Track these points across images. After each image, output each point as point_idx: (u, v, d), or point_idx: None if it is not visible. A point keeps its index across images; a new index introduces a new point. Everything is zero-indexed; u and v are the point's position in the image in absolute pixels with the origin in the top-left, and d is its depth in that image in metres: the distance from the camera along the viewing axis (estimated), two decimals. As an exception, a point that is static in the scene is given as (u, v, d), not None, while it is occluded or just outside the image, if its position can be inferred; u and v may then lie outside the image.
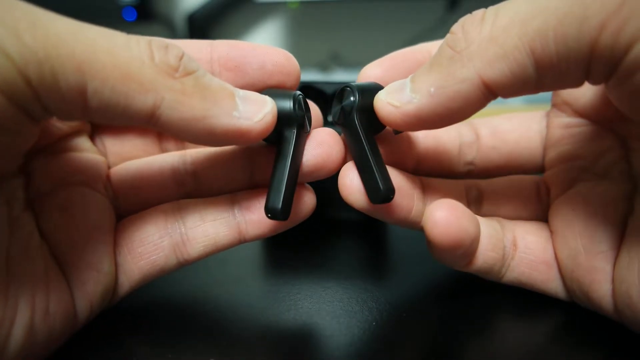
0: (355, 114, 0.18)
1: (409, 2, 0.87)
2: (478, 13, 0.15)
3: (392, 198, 0.17)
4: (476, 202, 0.21)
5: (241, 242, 0.19)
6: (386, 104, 0.16)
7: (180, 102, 0.14)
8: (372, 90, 0.18)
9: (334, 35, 0.97)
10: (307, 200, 0.19)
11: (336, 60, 0.97)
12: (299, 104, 0.18)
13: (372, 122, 0.18)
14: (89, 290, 0.17)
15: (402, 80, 0.17)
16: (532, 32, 0.13)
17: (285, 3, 0.95)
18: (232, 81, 0.18)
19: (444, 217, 0.16)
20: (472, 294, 0.21)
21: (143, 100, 0.13)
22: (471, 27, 0.14)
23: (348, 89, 0.18)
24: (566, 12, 0.12)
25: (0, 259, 0.14)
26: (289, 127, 0.17)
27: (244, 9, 0.98)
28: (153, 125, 0.14)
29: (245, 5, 0.97)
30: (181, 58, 0.14)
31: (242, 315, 0.20)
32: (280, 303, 0.21)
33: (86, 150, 0.19)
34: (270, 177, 0.17)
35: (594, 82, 0.13)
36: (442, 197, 0.20)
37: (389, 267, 0.24)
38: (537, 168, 0.22)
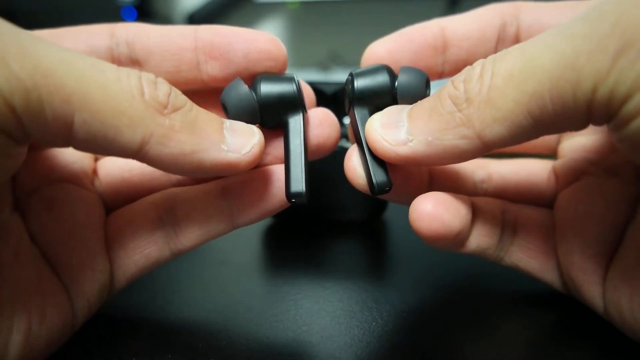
0: (353, 105, 0.17)
1: (409, 2, 0.87)
2: (477, 68, 0.15)
3: (388, 190, 0.17)
4: (483, 184, 0.21)
5: (234, 228, 0.19)
6: (380, 137, 0.16)
7: (168, 138, 0.14)
8: (374, 75, 0.17)
9: (334, 35, 0.97)
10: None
11: (336, 60, 0.97)
12: (299, 87, 0.17)
13: (376, 108, 0.17)
14: (86, 289, 0.17)
15: (399, 112, 0.16)
16: (528, 95, 0.13)
17: (285, 3, 0.95)
18: (218, 71, 0.17)
19: (427, 211, 0.16)
20: (472, 293, 0.21)
21: (132, 135, 0.13)
22: (470, 84, 0.14)
23: (349, 77, 0.18)
24: (559, 76, 0.12)
25: None
26: (294, 111, 0.17)
27: (244, 9, 0.98)
28: (140, 159, 0.14)
29: (245, 5, 0.97)
30: (169, 95, 0.14)
31: (242, 315, 0.20)
32: (280, 303, 0.21)
33: None
34: (284, 162, 0.17)
35: (594, 125, 0.14)
36: (449, 180, 0.21)
37: (389, 267, 0.24)
38: (551, 151, 0.22)
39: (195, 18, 0.96)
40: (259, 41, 0.17)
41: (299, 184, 0.16)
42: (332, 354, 0.17)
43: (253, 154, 0.16)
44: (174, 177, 0.20)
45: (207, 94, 0.19)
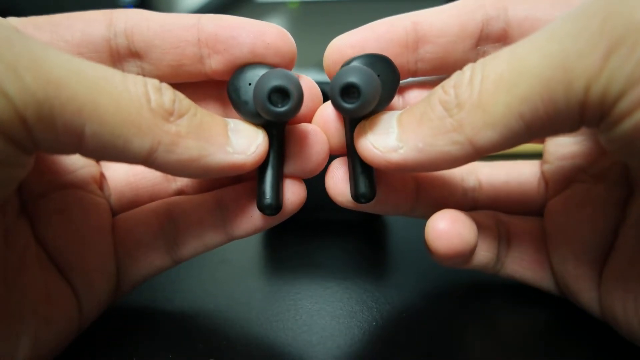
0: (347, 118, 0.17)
1: (408, 2, 0.87)
2: (467, 72, 0.14)
3: (371, 199, 0.17)
4: (473, 192, 0.21)
5: (229, 240, 0.19)
6: (369, 144, 0.16)
7: (176, 145, 0.14)
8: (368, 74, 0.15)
9: (334, 35, 0.97)
10: (295, 193, 0.18)
11: (336, 60, 0.97)
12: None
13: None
14: (97, 292, 0.17)
15: (388, 118, 0.16)
16: (519, 98, 0.13)
17: (285, 3, 0.95)
18: (222, 65, 0.17)
19: (445, 229, 0.17)
20: (471, 293, 0.21)
21: (140, 143, 0.13)
22: (460, 89, 0.14)
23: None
24: (549, 76, 0.12)
25: None
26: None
27: (244, 8, 0.98)
28: (148, 166, 0.14)
29: (245, 5, 0.97)
30: (174, 101, 0.14)
31: (242, 315, 0.20)
32: (280, 303, 0.21)
33: None
34: (257, 171, 0.17)
35: (587, 127, 0.13)
36: (437, 189, 0.20)
37: (389, 267, 0.24)
38: (539, 140, 0.21)
39: (195, 18, 0.96)
40: (266, 34, 0.16)
41: (266, 196, 0.17)
42: (332, 354, 0.17)
43: (258, 154, 0.16)
44: (179, 180, 0.20)
45: (209, 83, 0.19)
